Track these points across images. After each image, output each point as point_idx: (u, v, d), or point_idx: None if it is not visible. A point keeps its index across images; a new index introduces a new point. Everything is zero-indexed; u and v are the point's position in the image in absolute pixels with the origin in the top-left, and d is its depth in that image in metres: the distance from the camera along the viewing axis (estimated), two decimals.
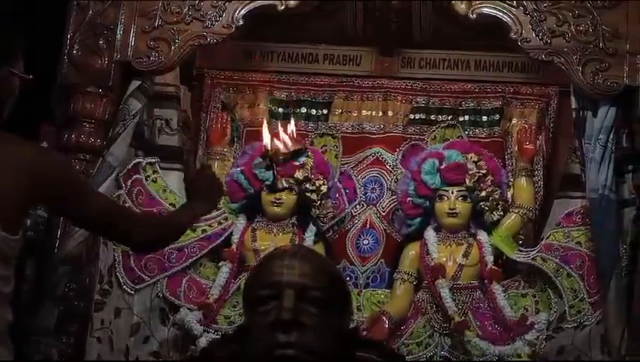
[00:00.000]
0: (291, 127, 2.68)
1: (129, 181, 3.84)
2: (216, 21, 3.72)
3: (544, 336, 3.65)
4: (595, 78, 3.56)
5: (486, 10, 3.64)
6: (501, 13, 3.63)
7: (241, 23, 3.72)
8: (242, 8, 3.72)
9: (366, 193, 4.24)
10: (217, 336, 3.48)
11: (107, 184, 3.68)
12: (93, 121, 3.70)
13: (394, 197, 4.17)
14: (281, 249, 2.17)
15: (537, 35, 3.60)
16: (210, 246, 3.94)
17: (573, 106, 3.66)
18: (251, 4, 3.73)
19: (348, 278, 4.09)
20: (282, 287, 2.04)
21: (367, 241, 4.18)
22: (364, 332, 3.71)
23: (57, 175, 2.83)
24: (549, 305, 3.73)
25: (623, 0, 3.61)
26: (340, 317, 2.11)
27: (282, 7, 3.74)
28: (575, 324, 3.64)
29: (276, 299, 2.04)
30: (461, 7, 3.64)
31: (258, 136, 4.20)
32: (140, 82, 3.76)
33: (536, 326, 3.64)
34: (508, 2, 3.64)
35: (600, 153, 3.55)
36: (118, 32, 3.73)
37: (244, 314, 2.15)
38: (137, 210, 3.58)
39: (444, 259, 3.87)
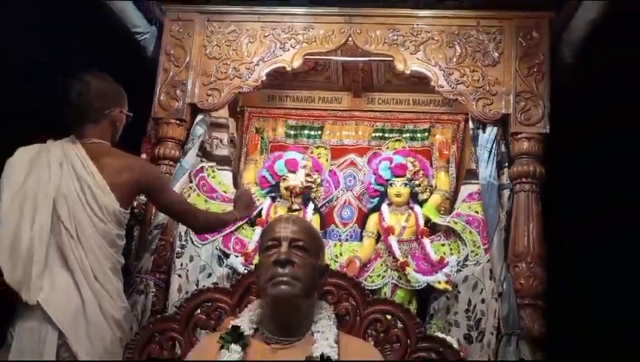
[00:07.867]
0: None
1: (197, 178, 3.91)
2: (249, 77, 3.77)
3: (455, 270, 3.70)
4: (484, 109, 3.61)
5: (415, 68, 3.70)
6: (425, 70, 3.69)
7: (264, 78, 3.78)
8: (265, 69, 3.78)
9: (346, 183, 4.29)
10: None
11: (182, 180, 3.73)
12: (173, 141, 3.76)
13: (363, 185, 4.23)
14: (280, 216, 2.28)
15: (448, 83, 3.65)
16: (249, 217, 3.97)
17: (471, 127, 3.71)
18: (270, 66, 3.78)
19: (334, 236, 4.15)
20: (280, 239, 2.15)
21: (347, 213, 4.22)
22: (344, 269, 3.77)
23: (149, 176, 2.95)
24: (458, 251, 3.78)
25: (500, 63, 3.65)
26: (317, 258, 2.21)
27: (290, 68, 3.80)
28: (474, 262, 3.68)
29: (276, 247, 2.16)
30: (400, 66, 3.71)
31: (277, 149, 4.31)
32: (202, 116, 3.81)
33: (450, 263, 3.71)
34: (429, 63, 3.69)
35: (487, 156, 3.59)
36: (188, 84, 3.78)
37: (259, 257, 2.25)
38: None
39: (394, 223, 3.93)
